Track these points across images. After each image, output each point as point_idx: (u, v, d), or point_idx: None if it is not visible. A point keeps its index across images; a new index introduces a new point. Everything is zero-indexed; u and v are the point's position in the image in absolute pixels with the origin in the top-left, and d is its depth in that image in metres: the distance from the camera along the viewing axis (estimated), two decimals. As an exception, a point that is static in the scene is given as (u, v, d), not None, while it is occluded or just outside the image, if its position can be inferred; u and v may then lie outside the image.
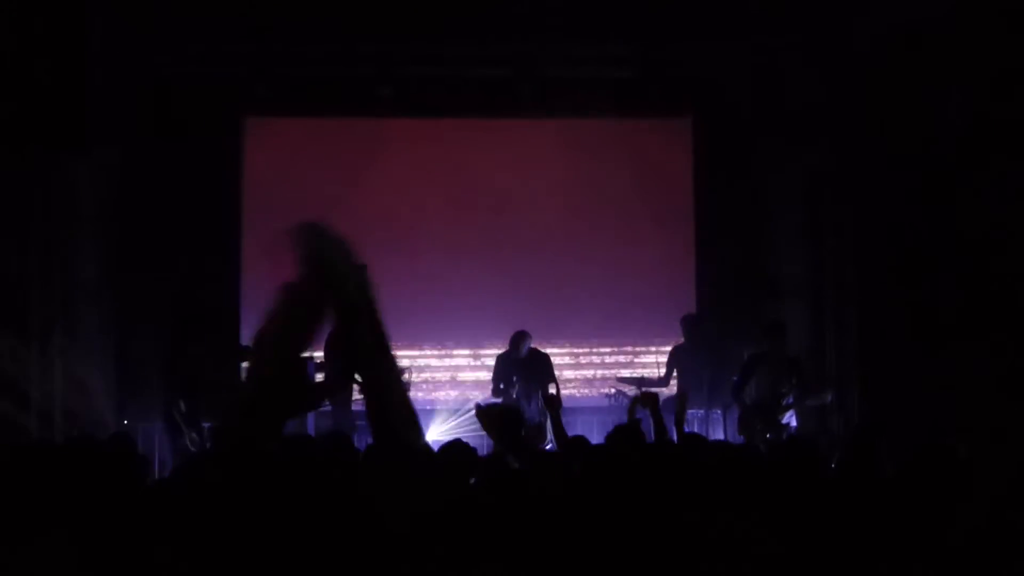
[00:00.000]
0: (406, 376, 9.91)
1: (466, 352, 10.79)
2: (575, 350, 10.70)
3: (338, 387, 8.95)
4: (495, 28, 10.26)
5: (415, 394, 10.06)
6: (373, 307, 2.38)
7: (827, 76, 10.64)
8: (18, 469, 3.16)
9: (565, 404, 10.47)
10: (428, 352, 10.67)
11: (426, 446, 2.55)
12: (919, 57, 9.31)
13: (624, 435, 4.86)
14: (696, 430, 9.94)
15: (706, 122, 11.25)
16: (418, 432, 2.28)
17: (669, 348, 10.44)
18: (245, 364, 8.66)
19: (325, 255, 2.32)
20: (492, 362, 10.14)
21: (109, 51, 9.79)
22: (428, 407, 10.26)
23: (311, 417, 9.20)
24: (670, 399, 10.40)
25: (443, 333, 10.74)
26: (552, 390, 9.67)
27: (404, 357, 10.02)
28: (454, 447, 4.81)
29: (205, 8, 9.76)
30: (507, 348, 9.95)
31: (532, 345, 9.93)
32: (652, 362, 10.51)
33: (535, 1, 9.92)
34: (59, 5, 8.62)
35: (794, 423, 9.33)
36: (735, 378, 9.69)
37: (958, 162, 9.05)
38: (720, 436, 9.73)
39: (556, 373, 10.01)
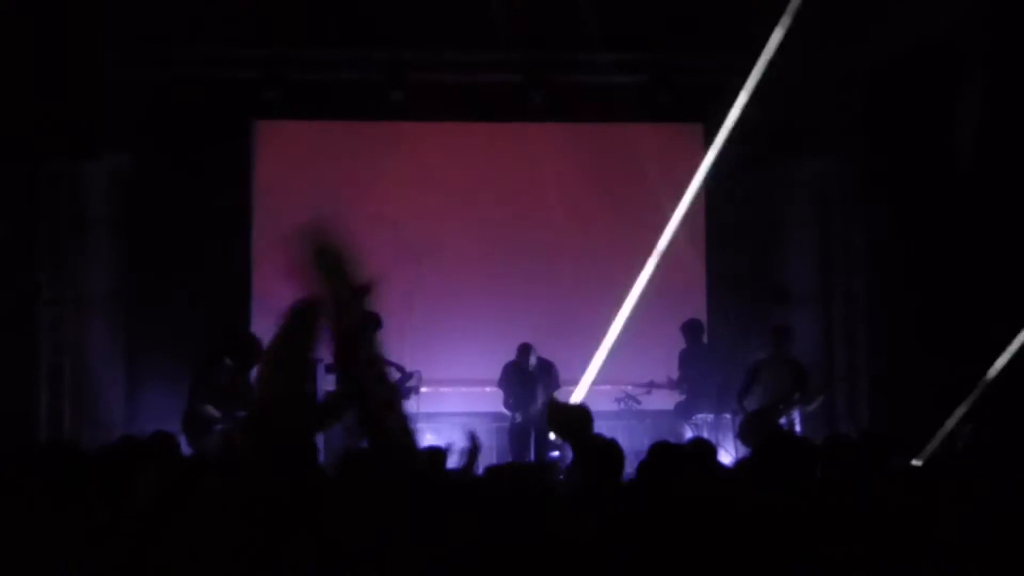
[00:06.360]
0: (414, 380, 9.86)
1: (475, 355, 10.74)
2: (584, 354, 10.64)
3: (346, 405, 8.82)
4: (507, 34, 10.26)
5: (421, 399, 10.01)
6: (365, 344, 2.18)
7: (837, 87, 10.61)
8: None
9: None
10: (436, 355, 10.61)
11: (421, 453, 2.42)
12: (926, 69, 9.32)
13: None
14: (706, 434, 9.93)
15: (717, 128, 11.20)
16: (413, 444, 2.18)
17: (677, 353, 10.47)
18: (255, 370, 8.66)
19: (321, 268, 2.13)
20: (499, 366, 10.18)
21: (120, 56, 9.84)
22: (434, 411, 10.22)
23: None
24: (680, 403, 10.40)
25: (452, 336, 10.71)
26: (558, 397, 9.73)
27: (412, 361, 9.98)
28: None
29: (215, 12, 9.79)
30: (515, 358, 10.02)
31: (538, 353, 10.03)
32: (661, 367, 10.47)
33: (546, 8, 9.93)
34: (71, 12, 8.67)
35: (798, 428, 9.29)
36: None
37: (965, 170, 9.04)
38: (729, 440, 9.70)
39: (565, 377, 10.01)
